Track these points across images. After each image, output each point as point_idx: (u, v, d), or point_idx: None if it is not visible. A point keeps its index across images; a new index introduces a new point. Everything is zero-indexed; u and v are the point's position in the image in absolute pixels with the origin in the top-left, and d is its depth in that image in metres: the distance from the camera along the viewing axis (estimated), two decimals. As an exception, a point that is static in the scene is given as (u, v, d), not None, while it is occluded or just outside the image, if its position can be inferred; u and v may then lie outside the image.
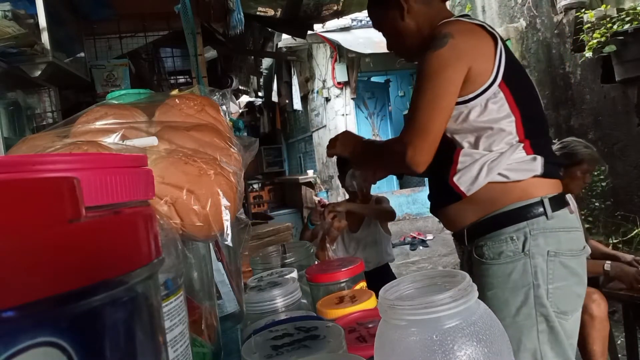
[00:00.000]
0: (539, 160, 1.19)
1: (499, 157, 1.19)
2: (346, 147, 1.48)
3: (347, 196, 2.78)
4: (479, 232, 1.24)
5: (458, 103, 1.20)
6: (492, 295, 1.18)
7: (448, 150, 1.24)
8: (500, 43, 1.20)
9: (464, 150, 1.22)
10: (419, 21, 1.32)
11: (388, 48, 1.44)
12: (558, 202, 1.19)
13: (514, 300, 1.16)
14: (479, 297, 1.01)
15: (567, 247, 1.17)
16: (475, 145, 1.22)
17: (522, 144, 1.20)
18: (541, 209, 1.17)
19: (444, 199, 1.29)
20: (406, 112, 8.67)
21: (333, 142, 1.51)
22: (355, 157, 1.48)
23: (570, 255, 1.17)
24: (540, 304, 1.14)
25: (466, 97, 1.20)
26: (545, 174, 1.19)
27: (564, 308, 1.16)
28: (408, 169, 1.20)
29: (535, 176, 1.19)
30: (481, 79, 1.18)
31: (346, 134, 1.55)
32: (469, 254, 1.28)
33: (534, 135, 1.22)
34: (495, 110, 1.19)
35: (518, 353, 1.14)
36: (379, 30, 1.44)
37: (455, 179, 1.23)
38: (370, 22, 1.52)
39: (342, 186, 2.38)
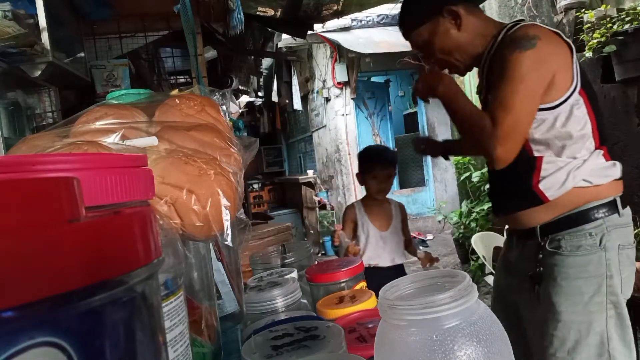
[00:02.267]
0: (618, 166, 1.31)
1: (582, 164, 1.25)
2: (435, 149, 1.54)
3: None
4: (556, 228, 1.30)
5: (543, 109, 1.23)
6: (567, 284, 1.26)
7: (526, 155, 1.28)
8: (574, 50, 1.26)
9: (547, 157, 1.27)
10: (473, 32, 1.35)
11: (440, 66, 1.43)
12: (623, 200, 1.32)
13: (588, 289, 1.24)
14: (550, 286, 1.32)
15: (630, 240, 1.30)
16: (559, 153, 1.26)
17: (602, 151, 1.28)
18: (615, 207, 1.28)
19: (522, 203, 1.33)
20: (406, 112, 8.68)
21: (421, 145, 1.59)
22: (447, 150, 1.53)
23: (631, 247, 1.29)
24: (612, 292, 1.24)
25: (552, 104, 1.23)
26: (620, 177, 1.32)
27: (627, 295, 1.28)
28: (491, 163, 1.27)
29: (613, 180, 1.29)
30: (564, 85, 1.22)
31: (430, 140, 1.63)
32: (537, 247, 1.32)
33: (606, 140, 1.31)
34: (580, 117, 1.24)
35: (587, 336, 1.23)
36: (424, 49, 1.42)
37: (540, 185, 1.27)
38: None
39: (361, 183, 2.33)
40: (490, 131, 1.21)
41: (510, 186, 1.36)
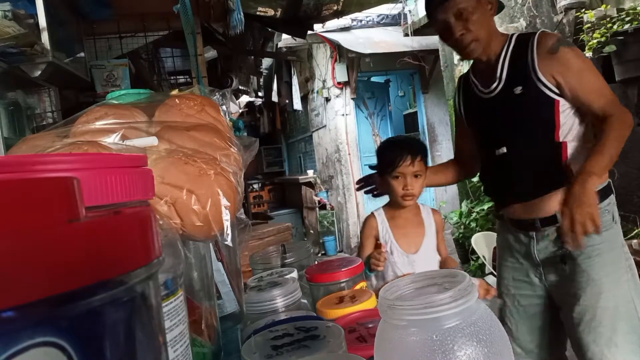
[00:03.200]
0: None
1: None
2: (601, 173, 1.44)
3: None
4: None
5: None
6: (600, 259, 1.41)
7: (553, 140, 1.44)
8: None
9: (570, 142, 1.45)
10: (494, 26, 1.56)
11: (464, 40, 1.49)
12: (623, 200, 1.58)
13: (616, 260, 1.43)
14: (584, 264, 1.47)
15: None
16: (579, 137, 1.46)
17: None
18: (611, 187, 1.48)
19: (552, 184, 1.45)
20: (406, 112, 8.66)
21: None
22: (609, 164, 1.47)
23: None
24: (627, 257, 1.46)
25: None
26: None
27: None
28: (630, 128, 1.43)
29: None
30: None
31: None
32: (559, 231, 1.42)
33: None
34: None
35: (624, 302, 1.41)
36: (463, 15, 1.48)
37: (567, 163, 1.44)
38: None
39: (381, 188, 1.83)
40: (621, 109, 1.41)
41: (539, 171, 1.47)
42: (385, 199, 1.74)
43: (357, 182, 1.83)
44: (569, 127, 1.44)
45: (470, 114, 1.68)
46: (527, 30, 4.62)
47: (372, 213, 1.74)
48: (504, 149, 1.51)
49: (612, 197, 1.48)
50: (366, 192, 1.82)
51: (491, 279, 3.37)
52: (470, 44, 1.48)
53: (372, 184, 1.79)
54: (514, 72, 1.47)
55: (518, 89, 1.45)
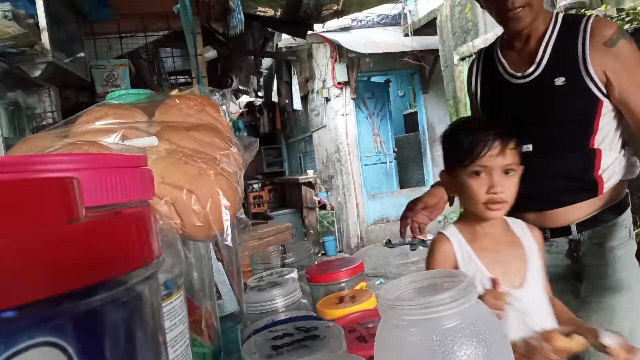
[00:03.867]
0: (637, 162, 1.34)
1: (624, 158, 1.32)
2: None
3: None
4: (594, 222, 1.29)
5: (607, 96, 1.25)
6: (615, 278, 1.27)
7: (587, 147, 1.26)
8: None
9: (605, 149, 1.28)
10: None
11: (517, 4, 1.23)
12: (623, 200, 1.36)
13: (634, 278, 1.27)
14: (598, 282, 1.28)
15: None
16: (613, 145, 1.29)
17: (626, 146, 1.33)
18: (627, 201, 1.34)
19: (577, 195, 1.29)
20: (406, 112, 8.66)
21: None
22: None
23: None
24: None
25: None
26: None
27: None
28: None
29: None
30: None
31: None
32: (572, 244, 1.31)
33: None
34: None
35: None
36: None
37: (602, 175, 1.27)
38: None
39: (450, 190, 1.46)
40: None
41: (567, 177, 1.28)
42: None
43: (402, 224, 1.40)
44: (605, 133, 1.26)
45: (488, 98, 1.42)
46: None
47: (442, 234, 1.16)
48: (530, 147, 1.26)
49: (629, 211, 1.34)
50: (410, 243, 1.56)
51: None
52: (522, 7, 1.21)
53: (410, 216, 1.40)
54: (558, 59, 1.25)
55: (560, 80, 1.23)
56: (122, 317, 0.21)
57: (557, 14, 1.30)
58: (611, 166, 1.27)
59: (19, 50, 1.87)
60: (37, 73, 2.01)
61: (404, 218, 1.40)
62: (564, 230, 1.30)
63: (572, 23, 1.26)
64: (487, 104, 1.43)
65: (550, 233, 1.31)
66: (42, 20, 2.00)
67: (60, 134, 0.59)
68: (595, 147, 1.26)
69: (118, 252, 0.21)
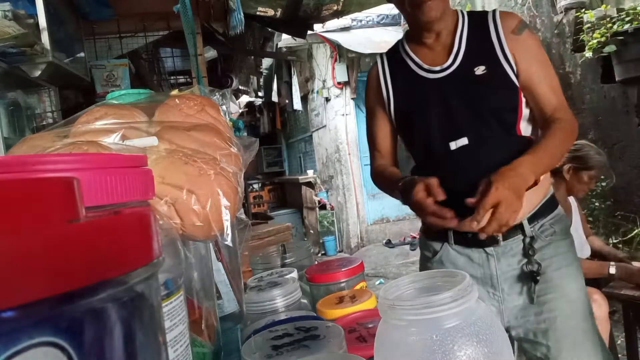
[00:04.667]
0: None
1: None
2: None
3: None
4: (542, 214, 1.25)
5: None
6: (574, 267, 1.25)
7: (516, 136, 1.23)
8: None
9: (534, 137, 1.26)
10: None
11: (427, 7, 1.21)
12: (624, 200, 1.44)
13: (579, 268, 1.28)
14: (558, 275, 1.22)
15: None
16: (534, 133, 1.27)
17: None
18: (555, 200, 1.32)
19: None
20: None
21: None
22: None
23: None
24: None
25: None
26: None
27: None
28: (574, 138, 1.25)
29: None
30: None
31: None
32: (524, 243, 1.23)
33: None
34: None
35: (591, 312, 1.27)
36: None
37: None
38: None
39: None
40: (575, 126, 1.22)
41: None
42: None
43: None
44: (526, 121, 1.25)
45: (406, 99, 1.33)
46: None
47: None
48: (465, 140, 1.20)
49: (560, 211, 1.28)
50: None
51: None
52: (435, 12, 1.20)
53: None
54: (474, 49, 1.24)
55: (480, 69, 1.21)
56: (122, 317, 0.21)
57: (461, 10, 1.30)
58: None
59: (19, 50, 1.87)
60: (37, 73, 2.01)
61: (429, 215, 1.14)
62: (517, 229, 1.22)
63: (479, 16, 1.28)
64: (405, 104, 1.33)
65: (503, 235, 1.22)
66: (42, 20, 2.00)
67: (60, 134, 0.59)
68: (523, 134, 1.24)
69: (118, 252, 0.21)
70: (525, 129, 1.24)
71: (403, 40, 1.37)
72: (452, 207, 1.10)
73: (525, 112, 1.24)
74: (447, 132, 1.23)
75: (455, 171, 1.21)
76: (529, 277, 1.22)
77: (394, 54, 1.38)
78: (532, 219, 1.23)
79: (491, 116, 1.21)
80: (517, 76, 1.21)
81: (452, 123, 1.23)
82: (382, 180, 1.39)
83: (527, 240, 1.22)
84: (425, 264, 1.39)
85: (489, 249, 1.24)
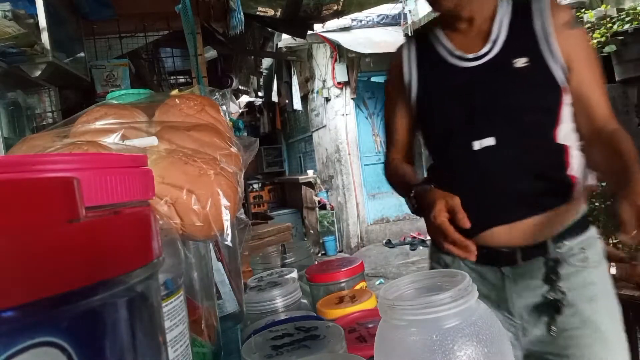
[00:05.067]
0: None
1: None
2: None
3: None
4: (574, 234, 1.06)
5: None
6: (610, 301, 1.08)
7: (554, 144, 1.06)
8: None
9: (571, 146, 1.08)
10: None
11: None
12: None
13: (615, 302, 1.10)
14: (590, 308, 1.00)
15: None
16: (573, 142, 1.09)
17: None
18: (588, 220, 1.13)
19: (551, 198, 1.05)
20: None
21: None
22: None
23: None
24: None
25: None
26: None
27: None
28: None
29: None
30: None
31: None
32: (547, 266, 1.05)
33: None
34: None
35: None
36: None
37: (571, 173, 1.06)
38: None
39: None
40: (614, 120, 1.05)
41: (539, 177, 1.05)
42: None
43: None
44: (567, 127, 1.07)
45: (429, 87, 1.16)
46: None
47: None
48: (491, 141, 1.04)
49: (593, 233, 1.10)
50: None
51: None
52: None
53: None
54: (516, 38, 1.07)
55: (520, 61, 1.05)
56: (122, 317, 0.21)
57: None
58: (578, 166, 1.07)
59: (19, 50, 1.87)
60: (37, 73, 2.01)
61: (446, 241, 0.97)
62: (540, 248, 1.05)
63: (523, 2, 1.10)
64: (427, 97, 1.16)
65: (522, 253, 1.06)
66: (42, 20, 2.00)
67: (60, 134, 0.59)
68: (560, 142, 1.06)
69: (118, 252, 0.21)
70: (564, 136, 1.06)
71: (434, 22, 1.20)
72: (480, 220, 0.99)
73: (565, 116, 1.06)
74: (471, 130, 1.07)
75: (475, 175, 1.06)
76: (552, 307, 1.04)
77: (423, 38, 1.20)
78: (559, 238, 1.05)
79: (525, 116, 1.05)
80: (566, 76, 1.04)
81: (479, 119, 1.06)
82: (394, 178, 1.25)
83: (550, 263, 1.04)
84: None
85: (505, 269, 1.07)
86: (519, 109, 1.05)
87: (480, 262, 1.08)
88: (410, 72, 1.19)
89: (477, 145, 1.06)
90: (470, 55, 1.10)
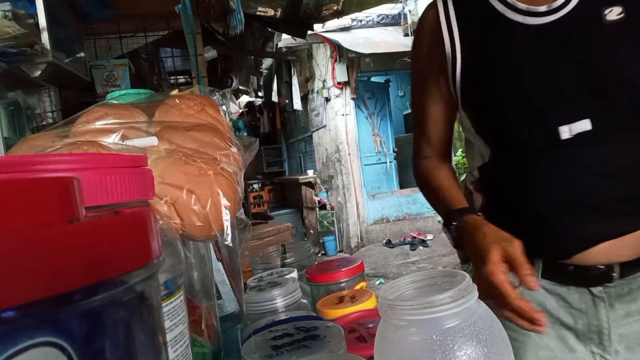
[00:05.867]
0: None
1: None
2: None
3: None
4: None
5: None
6: None
7: None
8: None
9: None
10: None
11: None
12: None
13: None
14: None
15: None
16: None
17: None
18: None
19: None
20: (406, 112, 8.65)
21: None
22: None
23: None
24: None
25: None
26: None
27: None
28: None
29: None
30: None
31: None
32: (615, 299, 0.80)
33: None
34: None
35: None
36: None
37: None
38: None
39: None
40: None
41: None
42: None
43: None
44: None
45: (483, 55, 0.85)
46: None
47: None
48: (586, 124, 0.76)
49: None
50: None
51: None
52: None
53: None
54: None
55: (613, 12, 0.76)
56: (122, 317, 0.21)
57: None
58: None
59: (19, 50, 1.87)
60: (37, 73, 2.01)
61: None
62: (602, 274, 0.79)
63: None
64: (480, 68, 0.85)
65: (621, 269, 0.78)
66: (42, 20, 2.00)
67: (60, 134, 0.59)
68: None
69: (118, 252, 0.21)
70: None
71: None
72: (541, 234, 0.76)
73: None
74: (554, 111, 0.78)
75: (563, 175, 0.78)
76: None
77: None
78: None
79: (630, 88, 0.76)
80: None
81: (564, 97, 0.78)
82: (425, 188, 0.99)
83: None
84: None
85: (597, 289, 0.80)
86: (620, 78, 0.76)
87: (563, 282, 0.82)
88: (452, 36, 0.87)
89: (565, 131, 0.77)
90: (542, 8, 0.80)
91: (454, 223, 0.81)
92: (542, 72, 0.80)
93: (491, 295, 0.69)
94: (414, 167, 1.06)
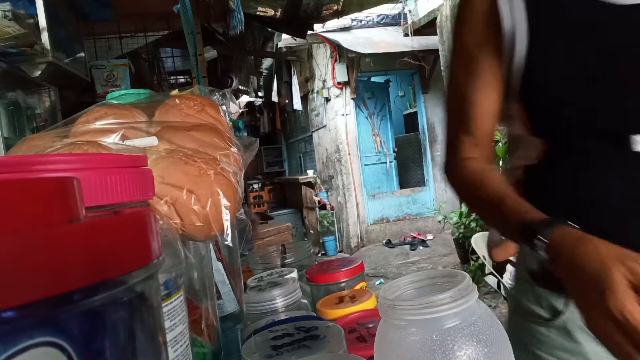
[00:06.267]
0: None
1: None
2: None
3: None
4: None
5: None
6: None
7: None
8: None
9: None
10: None
11: None
12: None
13: None
14: None
15: None
16: None
17: None
18: None
19: None
20: (406, 112, 8.65)
21: None
22: None
23: None
24: None
25: None
26: None
27: None
28: None
29: None
30: None
31: None
32: None
33: None
34: None
35: None
36: None
37: None
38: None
39: None
40: None
41: None
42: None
43: None
44: None
45: (561, 39, 0.69)
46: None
47: None
48: None
49: None
50: None
51: (491, 279, 3.37)
52: None
53: None
54: None
55: None
56: (122, 317, 0.21)
57: None
58: None
59: (19, 50, 1.87)
60: (37, 73, 2.01)
61: None
62: None
63: None
64: (556, 56, 0.69)
65: None
66: (42, 20, 2.00)
67: (60, 134, 0.59)
68: None
69: (118, 252, 0.21)
70: None
71: None
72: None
73: None
74: (633, 115, 0.66)
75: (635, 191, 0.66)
76: None
77: None
78: None
79: None
80: None
81: None
82: (478, 197, 0.76)
83: None
84: (527, 323, 0.76)
85: None
86: None
87: None
88: (513, 12, 0.70)
89: (638, 142, 0.64)
90: None
91: (540, 237, 0.61)
92: (630, 68, 0.65)
93: (620, 336, 0.49)
94: (451, 169, 0.83)
